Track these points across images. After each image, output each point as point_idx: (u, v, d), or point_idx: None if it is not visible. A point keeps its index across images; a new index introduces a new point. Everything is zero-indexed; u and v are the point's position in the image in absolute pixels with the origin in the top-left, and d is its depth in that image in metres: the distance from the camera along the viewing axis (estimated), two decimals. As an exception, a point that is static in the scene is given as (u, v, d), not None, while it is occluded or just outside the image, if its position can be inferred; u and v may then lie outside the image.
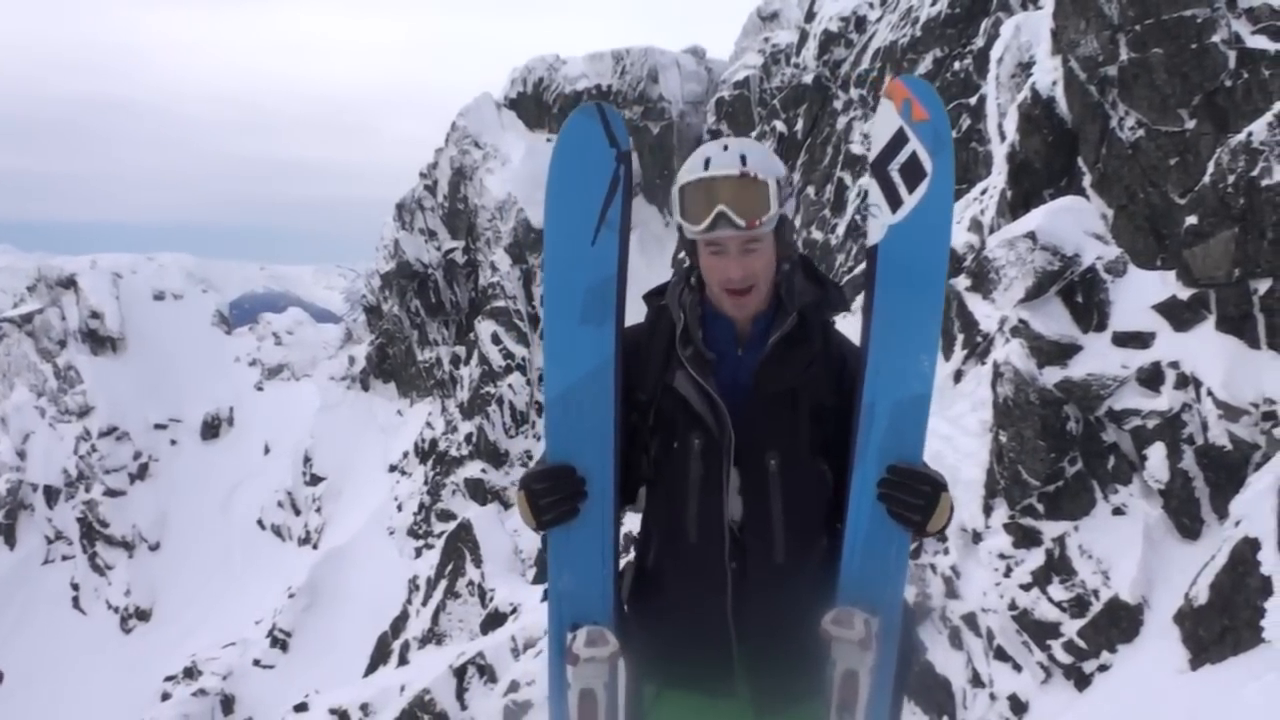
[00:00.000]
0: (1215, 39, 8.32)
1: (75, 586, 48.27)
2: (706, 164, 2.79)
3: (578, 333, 2.87)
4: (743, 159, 2.76)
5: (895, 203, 2.87)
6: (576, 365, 2.88)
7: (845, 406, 2.89)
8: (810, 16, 28.97)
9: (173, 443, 51.68)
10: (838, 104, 25.14)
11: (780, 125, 28.75)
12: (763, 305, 2.90)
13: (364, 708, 21.86)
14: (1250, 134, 7.47)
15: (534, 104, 44.71)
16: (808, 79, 27.71)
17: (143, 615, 46.59)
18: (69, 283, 54.56)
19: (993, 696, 8.40)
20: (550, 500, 2.83)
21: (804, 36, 29.01)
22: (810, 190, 24.67)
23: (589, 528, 2.90)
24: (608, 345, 2.87)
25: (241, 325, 61.32)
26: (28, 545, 50.03)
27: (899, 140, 2.86)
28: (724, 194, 2.73)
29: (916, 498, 2.78)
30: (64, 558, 49.38)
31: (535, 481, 2.85)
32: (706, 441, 2.83)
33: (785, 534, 2.85)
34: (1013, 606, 8.34)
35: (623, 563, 3.07)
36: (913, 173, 2.85)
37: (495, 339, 38.66)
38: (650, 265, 36.77)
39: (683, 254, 3.00)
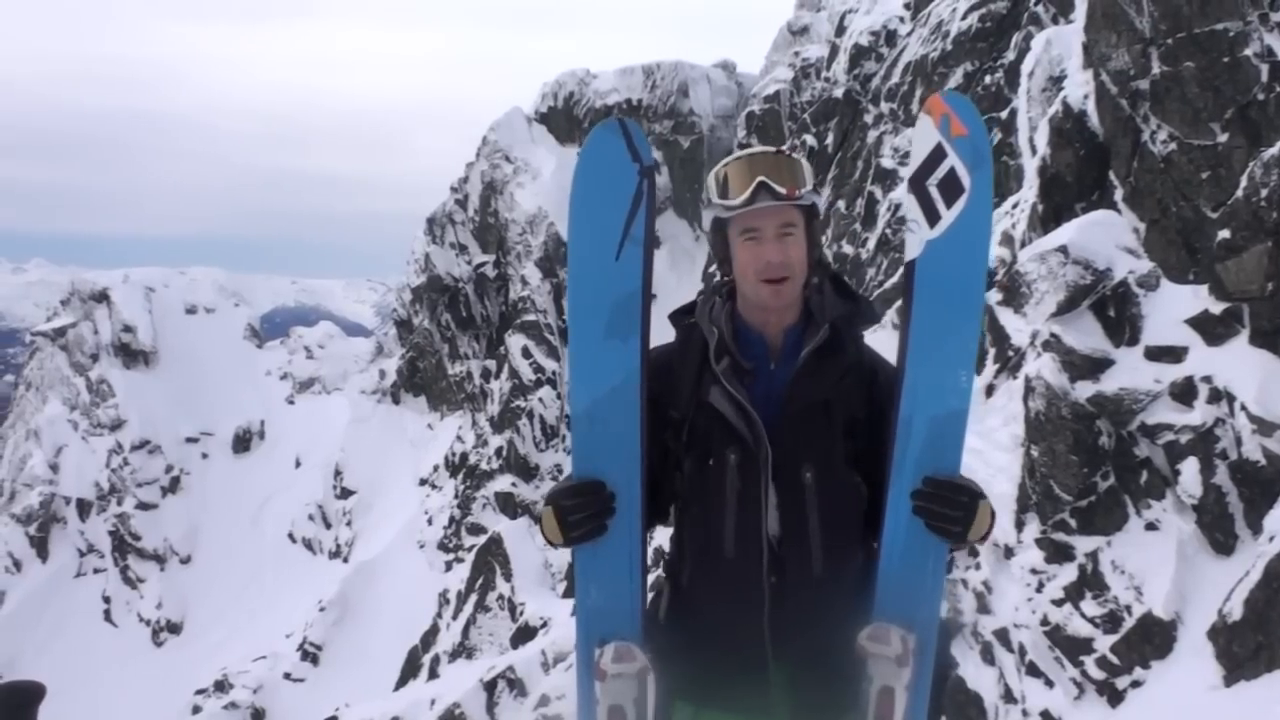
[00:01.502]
0: (1247, 52, 8.26)
1: (107, 599, 48.64)
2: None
3: (603, 348, 2.86)
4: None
5: (933, 218, 2.85)
6: (602, 380, 2.86)
7: (876, 420, 2.88)
8: (840, 31, 28.92)
9: (204, 456, 52.05)
10: (868, 118, 25.07)
11: (811, 139, 28.71)
12: (795, 315, 2.91)
13: (394, 721, 21.89)
14: (1284, 147, 7.41)
15: (565, 118, 44.93)
16: (838, 93, 27.64)
17: (174, 628, 46.90)
18: (101, 296, 55.08)
19: (1025, 713, 8.33)
20: (580, 517, 2.79)
21: (834, 51, 28.96)
22: (841, 204, 24.61)
23: (616, 543, 2.87)
24: (633, 360, 2.85)
25: (272, 339, 61.76)
26: (60, 558, 50.46)
27: (937, 155, 2.85)
28: (763, 167, 2.83)
29: (954, 509, 2.75)
30: (96, 571, 49.79)
31: (564, 498, 2.81)
32: (743, 456, 2.81)
33: (823, 547, 2.83)
34: (1045, 622, 8.28)
35: (651, 578, 3.04)
36: (951, 188, 2.83)
37: (526, 353, 38.77)
38: (680, 279, 36.83)
39: (714, 268, 3.03)
